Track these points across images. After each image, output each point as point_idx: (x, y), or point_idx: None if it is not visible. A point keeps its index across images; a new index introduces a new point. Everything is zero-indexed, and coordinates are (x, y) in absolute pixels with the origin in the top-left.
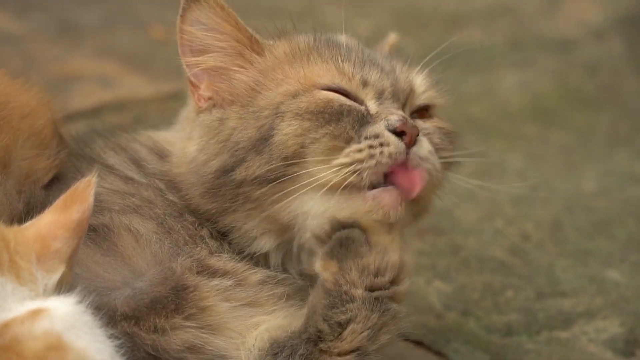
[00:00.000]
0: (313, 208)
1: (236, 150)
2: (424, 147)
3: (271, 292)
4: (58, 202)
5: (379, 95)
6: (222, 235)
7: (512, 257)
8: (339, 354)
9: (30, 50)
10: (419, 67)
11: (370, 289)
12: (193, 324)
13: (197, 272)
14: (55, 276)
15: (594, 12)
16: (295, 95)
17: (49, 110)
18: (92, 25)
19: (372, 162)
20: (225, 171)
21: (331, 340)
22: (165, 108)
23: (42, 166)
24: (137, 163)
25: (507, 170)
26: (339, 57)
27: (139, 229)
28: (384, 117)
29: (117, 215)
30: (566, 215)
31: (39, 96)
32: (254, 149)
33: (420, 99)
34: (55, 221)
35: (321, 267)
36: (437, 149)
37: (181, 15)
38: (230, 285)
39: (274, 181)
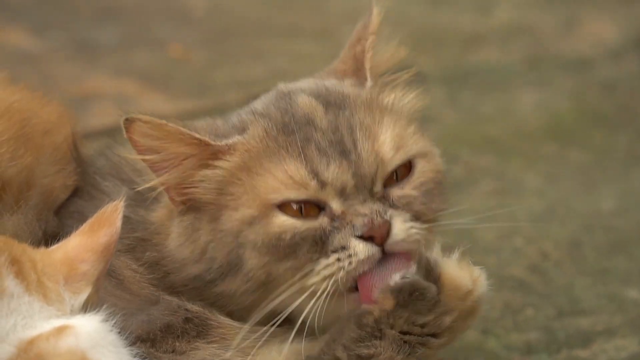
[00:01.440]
0: (303, 307)
1: (213, 267)
2: (398, 233)
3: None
4: (85, 226)
5: (342, 192)
6: None
7: (532, 275)
8: None
9: (47, 68)
10: (384, 125)
11: (404, 333)
12: (215, 346)
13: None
14: (82, 297)
15: (611, 31)
16: (251, 223)
17: (68, 124)
18: (110, 44)
19: (343, 273)
20: (205, 282)
21: None
22: None
23: (61, 183)
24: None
25: (525, 190)
26: (292, 158)
27: (134, 267)
28: (349, 221)
29: (117, 254)
30: (585, 234)
31: (59, 110)
32: (230, 271)
33: (392, 165)
34: (83, 244)
35: (377, 302)
36: (421, 214)
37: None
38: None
39: (257, 293)
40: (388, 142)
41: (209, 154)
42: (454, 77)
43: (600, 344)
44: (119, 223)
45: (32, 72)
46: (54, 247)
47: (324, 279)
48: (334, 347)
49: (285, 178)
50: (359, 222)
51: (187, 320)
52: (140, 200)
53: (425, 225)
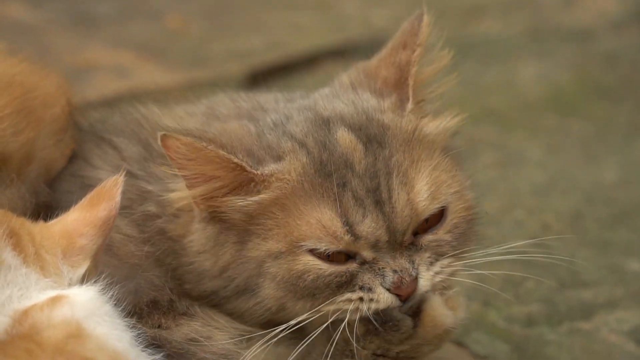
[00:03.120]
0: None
1: (230, 286)
2: (423, 285)
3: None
4: (85, 200)
5: (374, 245)
6: None
7: (533, 247)
8: None
9: (45, 40)
10: (421, 170)
11: (377, 355)
12: (199, 322)
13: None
14: (80, 270)
15: (612, 3)
16: (277, 257)
17: (65, 95)
18: (108, 15)
19: (357, 314)
20: (221, 297)
21: None
22: (183, 97)
23: (60, 153)
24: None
25: (527, 161)
26: (327, 205)
27: (127, 232)
28: (380, 270)
29: None
30: (586, 206)
31: (58, 81)
32: (245, 293)
33: (424, 215)
34: (82, 218)
35: (346, 324)
36: (446, 253)
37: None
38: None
39: (266, 317)
40: (424, 192)
41: (243, 180)
42: (455, 49)
43: (602, 315)
44: (118, 197)
45: (30, 43)
46: (53, 221)
47: (338, 310)
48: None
49: (318, 228)
50: (389, 276)
51: (172, 300)
52: (154, 162)
53: (449, 260)
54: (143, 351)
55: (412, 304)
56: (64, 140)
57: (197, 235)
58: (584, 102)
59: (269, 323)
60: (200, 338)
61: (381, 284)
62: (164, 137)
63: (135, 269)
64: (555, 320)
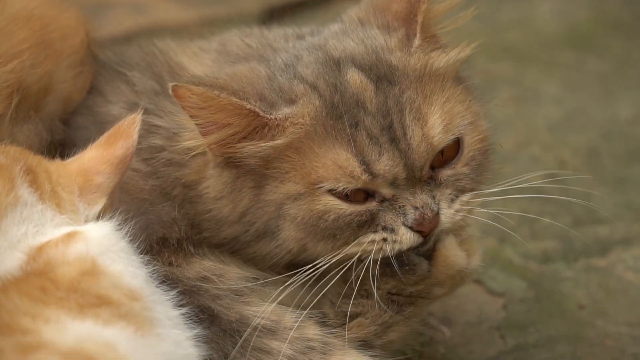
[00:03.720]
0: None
1: (250, 230)
2: (445, 221)
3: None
4: (102, 138)
5: (392, 182)
6: None
7: (549, 184)
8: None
9: None
10: (433, 103)
11: (392, 294)
12: (211, 258)
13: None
14: (97, 208)
15: None
16: (296, 198)
17: (84, 27)
18: None
19: (380, 254)
20: (241, 242)
21: (333, 327)
22: (200, 34)
23: (79, 86)
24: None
25: (543, 97)
26: (341, 146)
27: (136, 166)
28: (401, 208)
29: None
30: (603, 143)
31: (76, 15)
32: (266, 236)
33: (440, 147)
34: (99, 156)
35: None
36: (466, 188)
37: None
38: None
39: (288, 259)
40: (437, 125)
41: (257, 125)
42: None
43: (617, 252)
44: (135, 136)
45: None
46: (70, 159)
47: (362, 251)
48: (322, 302)
49: (335, 168)
50: (410, 213)
51: (180, 240)
52: (166, 96)
53: (468, 197)
54: (157, 288)
55: (430, 245)
56: (83, 73)
57: (213, 182)
58: (601, 38)
59: (289, 266)
60: (212, 276)
61: (403, 223)
62: (175, 88)
63: (144, 204)
64: (571, 257)
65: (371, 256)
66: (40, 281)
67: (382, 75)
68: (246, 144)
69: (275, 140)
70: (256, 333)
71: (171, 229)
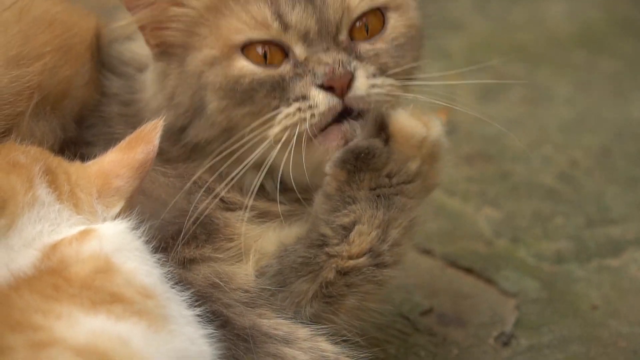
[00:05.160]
0: (267, 156)
1: (180, 113)
2: (359, 87)
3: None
4: (123, 142)
5: (305, 37)
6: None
7: (561, 184)
8: (350, 257)
9: None
10: None
11: (374, 188)
12: (221, 256)
13: (220, 207)
14: (114, 211)
15: None
16: (212, 64)
17: (102, 33)
18: None
19: (306, 125)
20: (175, 131)
21: (337, 244)
22: None
23: (94, 91)
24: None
25: (555, 97)
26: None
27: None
28: (311, 69)
29: None
30: (615, 143)
31: (96, 20)
32: (195, 115)
33: (357, 11)
34: (119, 160)
35: (329, 175)
36: (388, 67)
37: None
38: (253, 216)
39: (227, 142)
40: None
41: None
42: None
43: (630, 252)
44: (156, 141)
45: None
46: (90, 161)
47: (285, 128)
48: (317, 224)
49: (248, 18)
50: (320, 70)
51: (195, 222)
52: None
53: (391, 81)
54: (172, 287)
55: (366, 120)
56: (99, 80)
57: (149, 76)
58: (612, 38)
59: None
60: (220, 282)
61: (313, 83)
62: None
63: (160, 200)
64: (584, 257)
65: (296, 130)
66: (53, 279)
67: None
68: (170, 8)
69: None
70: (270, 340)
71: (186, 214)
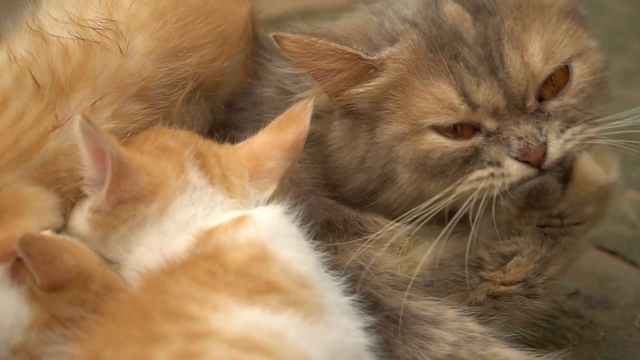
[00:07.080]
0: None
1: (372, 178)
2: (555, 153)
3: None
4: (273, 123)
5: (495, 113)
6: None
7: None
8: (503, 284)
9: None
10: (533, 32)
11: (542, 226)
12: (370, 245)
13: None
14: (267, 193)
15: None
16: (402, 139)
17: (254, 18)
18: None
19: (495, 191)
20: (369, 192)
21: (492, 270)
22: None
23: (245, 77)
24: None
25: None
26: (440, 79)
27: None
28: (505, 140)
29: None
30: None
31: (249, 7)
32: (386, 183)
33: (542, 77)
34: (270, 141)
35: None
36: (578, 118)
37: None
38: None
39: (414, 205)
40: (537, 53)
41: (362, 68)
42: None
43: None
44: (307, 122)
45: None
46: (240, 143)
47: (473, 190)
48: (476, 246)
49: (435, 102)
50: (514, 144)
51: (345, 220)
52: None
53: (582, 127)
54: (327, 274)
55: (557, 172)
56: (251, 64)
57: (336, 132)
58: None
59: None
60: (368, 265)
61: (508, 154)
62: (276, 38)
63: (306, 190)
64: None
65: (485, 194)
66: (209, 265)
67: (480, 5)
68: (356, 87)
69: (380, 78)
70: (419, 322)
71: (336, 212)
